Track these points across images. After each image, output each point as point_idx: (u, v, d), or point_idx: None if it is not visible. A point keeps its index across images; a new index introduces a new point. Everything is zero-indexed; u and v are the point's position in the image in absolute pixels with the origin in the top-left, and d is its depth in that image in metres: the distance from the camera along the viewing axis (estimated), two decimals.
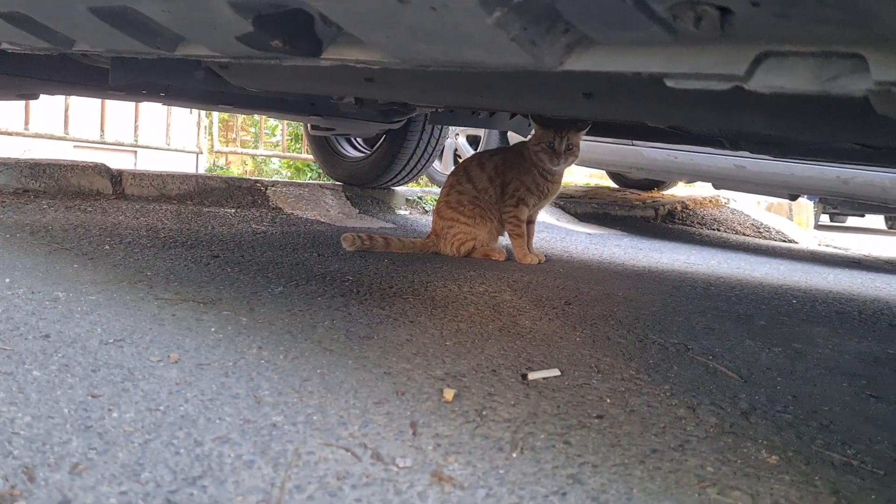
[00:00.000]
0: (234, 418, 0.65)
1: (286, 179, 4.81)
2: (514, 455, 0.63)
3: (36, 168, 2.16)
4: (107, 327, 0.88)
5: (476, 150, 3.70)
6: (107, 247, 1.46)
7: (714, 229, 3.59)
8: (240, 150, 5.95)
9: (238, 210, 2.31)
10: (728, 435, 0.74)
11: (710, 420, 0.77)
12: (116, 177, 2.29)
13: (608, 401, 0.80)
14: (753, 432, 0.75)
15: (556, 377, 0.86)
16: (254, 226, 2.04)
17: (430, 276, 1.49)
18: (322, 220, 2.36)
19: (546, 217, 3.07)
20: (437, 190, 2.69)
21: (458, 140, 3.97)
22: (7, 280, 1.08)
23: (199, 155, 5.74)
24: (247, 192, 2.49)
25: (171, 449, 0.58)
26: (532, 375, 0.85)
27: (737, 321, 1.33)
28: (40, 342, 0.81)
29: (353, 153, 2.97)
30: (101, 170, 2.26)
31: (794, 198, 3.22)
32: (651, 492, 0.59)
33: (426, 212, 2.80)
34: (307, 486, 0.54)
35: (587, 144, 2.74)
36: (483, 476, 0.59)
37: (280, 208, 2.48)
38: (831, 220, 8.40)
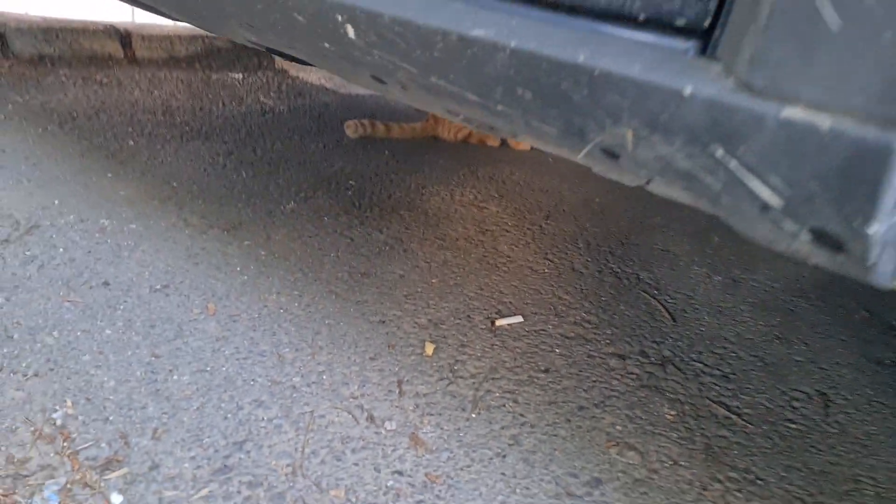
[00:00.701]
0: (264, 379, 0.86)
1: None
2: (473, 416, 0.85)
3: (49, 32, 2.22)
4: (152, 270, 1.07)
5: None
6: (131, 142, 1.61)
7: None
8: None
9: (245, 75, 2.40)
10: (644, 389, 0.95)
11: (634, 372, 0.99)
12: (126, 38, 2.35)
13: (557, 351, 1.01)
14: (665, 385, 0.97)
15: (519, 323, 1.07)
16: (262, 99, 2.15)
17: (426, 179, 1.65)
18: (327, 87, 2.46)
19: None
20: None
21: None
22: (56, 202, 1.26)
23: None
24: (252, 54, 2.56)
25: (220, 413, 0.80)
26: (499, 322, 1.06)
27: (692, 239, 1.51)
28: (103, 291, 1.00)
29: None
30: (110, 32, 2.33)
31: None
32: (569, 452, 0.81)
33: None
34: (320, 451, 0.76)
35: None
36: (447, 439, 0.80)
37: (286, 71, 2.56)
38: None
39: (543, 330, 1.06)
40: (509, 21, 0.45)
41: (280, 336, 0.95)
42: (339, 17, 0.56)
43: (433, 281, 1.16)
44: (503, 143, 2.05)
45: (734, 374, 1.02)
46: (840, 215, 0.31)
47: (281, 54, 0.95)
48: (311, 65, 0.90)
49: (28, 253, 1.07)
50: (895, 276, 0.32)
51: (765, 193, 0.34)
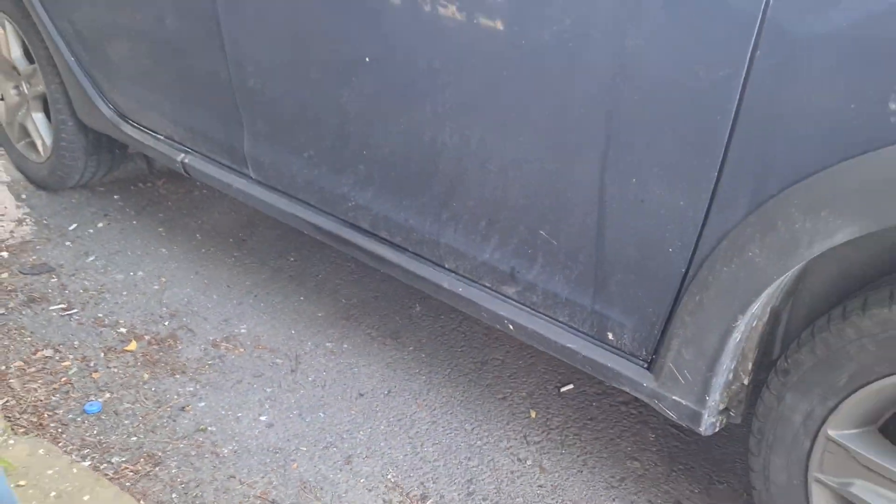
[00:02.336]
0: None
1: None
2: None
3: None
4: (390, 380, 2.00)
5: None
6: (292, 258, 2.47)
7: None
8: None
9: None
10: None
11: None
12: None
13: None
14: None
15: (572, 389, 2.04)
16: None
17: None
18: None
19: None
20: None
21: None
22: (293, 332, 2.15)
23: None
24: None
25: None
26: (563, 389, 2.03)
27: None
28: (362, 400, 1.93)
29: None
30: None
31: None
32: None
33: None
34: None
35: None
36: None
37: None
38: None
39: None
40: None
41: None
42: None
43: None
44: None
45: None
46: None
47: None
48: None
49: (311, 378, 1.99)
50: None
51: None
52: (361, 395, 1.91)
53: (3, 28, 2.54)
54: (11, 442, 1.68)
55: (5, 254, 2.39)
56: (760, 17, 1.02)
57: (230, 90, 1.88)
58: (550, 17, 1.21)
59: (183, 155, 2.17)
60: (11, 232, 2.51)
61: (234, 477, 1.65)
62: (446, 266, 1.65)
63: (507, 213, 1.46)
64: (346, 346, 2.09)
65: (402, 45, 1.45)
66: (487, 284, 1.58)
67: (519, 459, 1.75)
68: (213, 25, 1.80)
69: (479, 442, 1.79)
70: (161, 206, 2.76)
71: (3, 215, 2.61)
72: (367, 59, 1.52)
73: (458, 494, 1.64)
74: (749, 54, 1.04)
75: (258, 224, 2.66)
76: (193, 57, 1.93)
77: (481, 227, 1.52)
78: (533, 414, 1.90)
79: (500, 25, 1.28)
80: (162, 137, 2.25)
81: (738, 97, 1.07)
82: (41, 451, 1.66)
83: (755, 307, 1.20)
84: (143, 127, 2.30)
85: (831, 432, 1.21)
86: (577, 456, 1.77)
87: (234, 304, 2.23)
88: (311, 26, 1.61)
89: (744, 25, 1.03)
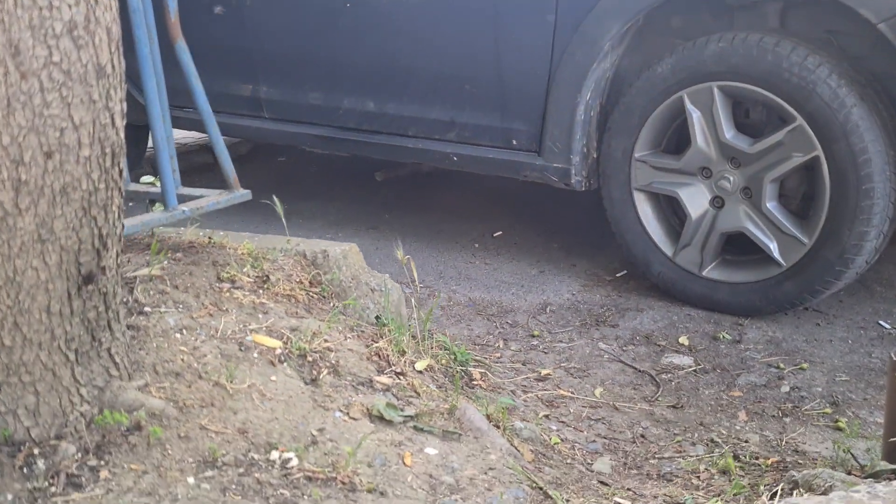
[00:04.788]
0: None
1: None
2: None
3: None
4: None
5: None
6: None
7: None
8: None
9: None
10: None
11: None
12: None
13: None
14: None
15: None
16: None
17: None
18: None
19: None
20: None
21: None
22: None
23: None
24: None
25: None
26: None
27: None
28: None
29: None
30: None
31: None
32: None
33: None
34: None
35: None
36: None
37: None
38: None
39: None
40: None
41: None
42: None
43: None
44: None
45: None
46: None
47: None
48: None
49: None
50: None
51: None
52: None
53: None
54: None
55: None
56: None
57: (251, 54, 2.83)
58: None
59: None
60: None
61: None
62: (409, 134, 2.61)
63: (444, 83, 2.45)
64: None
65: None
66: (436, 136, 2.55)
67: (470, 262, 2.67)
68: (238, 9, 2.78)
69: (445, 256, 2.70)
70: None
71: None
72: (348, 5, 2.52)
73: (434, 278, 2.53)
74: None
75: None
76: (223, 35, 2.88)
77: (429, 98, 2.50)
78: (476, 245, 2.83)
79: None
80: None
81: None
82: None
83: (587, 93, 2.20)
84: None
85: (637, 155, 2.21)
86: (508, 254, 2.70)
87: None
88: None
89: None
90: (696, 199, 2.15)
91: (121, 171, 1.13)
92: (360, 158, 4.11)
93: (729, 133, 2.02)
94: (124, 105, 1.10)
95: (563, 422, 1.69)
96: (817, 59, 1.85)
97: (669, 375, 1.88)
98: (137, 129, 3.12)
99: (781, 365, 1.89)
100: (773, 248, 2.03)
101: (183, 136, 4.26)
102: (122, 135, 1.11)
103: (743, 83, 1.95)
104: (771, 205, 2.02)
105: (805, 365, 1.88)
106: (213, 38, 2.87)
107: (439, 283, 2.46)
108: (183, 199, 1.80)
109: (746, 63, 1.92)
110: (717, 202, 2.13)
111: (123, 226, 1.22)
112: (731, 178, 2.07)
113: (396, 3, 2.42)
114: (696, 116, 2.05)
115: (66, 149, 1.02)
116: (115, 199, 1.13)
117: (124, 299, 1.52)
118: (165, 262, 1.70)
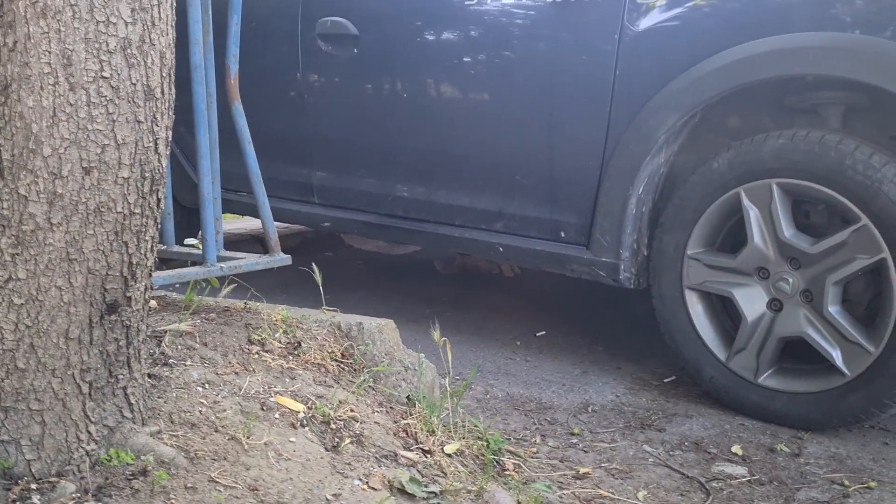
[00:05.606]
0: None
1: None
2: None
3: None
4: None
5: None
6: None
7: None
8: None
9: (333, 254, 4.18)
10: None
11: None
12: None
13: None
14: None
15: None
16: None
17: None
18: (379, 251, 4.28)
19: None
20: None
21: None
22: None
23: None
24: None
25: None
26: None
27: None
28: None
29: None
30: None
31: None
32: None
33: None
34: None
35: None
36: None
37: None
38: None
39: None
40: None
41: None
42: None
43: None
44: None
45: None
46: None
47: None
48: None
49: None
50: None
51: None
52: None
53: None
54: None
55: None
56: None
57: (307, 141, 2.89)
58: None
59: None
60: None
61: None
62: (456, 223, 2.58)
63: (494, 173, 2.44)
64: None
65: (428, 90, 2.51)
66: (483, 226, 2.52)
67: (511, 358, 2.57)
68: (299, 98, 2.86)
69: (485, 351, 2.61)
70: None
71: None
72: (405, 95, 2.57)
73: (471, 370, 2.43)
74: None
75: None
76: (281, 122, 2.96)
77: (479, 187, 2.49)
78: (518, 343, 2.74)
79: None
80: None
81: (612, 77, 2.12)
82: None
83: (639, 186, 2.16)
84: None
85: (689, 252, 2.13)
86: (550, 353, 2.59)
87: None
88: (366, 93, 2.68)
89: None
90: (752, 301, 2.04)
91: (159, 201, 1.11)
92: (404, 257, 4.13)
93: (788, 231, 1.94)
94: (170, 133, 1.09)
95: None
96: (883, 158, 1.78)
97: (721, 484, 1.72)
98: (190, 211, 3.16)
99: (846, 482, 1.71)
100: (836, 356, 1.89)
101: (236, 227, 4.36)
102: (165, 163, 1.09)
103: (804, 181, 1.88)
104: (833, 309, 1.90)
105: (873, 483, 1.70)
106: (270, 122, 2.95)
107: (476, 376, 2.36)
108: (223, 260, 1.78)
109: (808, 160, 1.86)
110: (775, 305, 2.01)
111: (156, 260, 1.18)
112: (791, 280, 1.97)
113: (453, 93, 2.46)
114: (753, 214, 1.98)
115: (106, 166, 1.00)
116: (149, 227, 1.10)
117: (151, 351, 1.48)
118: (198, 320, 1.66)
